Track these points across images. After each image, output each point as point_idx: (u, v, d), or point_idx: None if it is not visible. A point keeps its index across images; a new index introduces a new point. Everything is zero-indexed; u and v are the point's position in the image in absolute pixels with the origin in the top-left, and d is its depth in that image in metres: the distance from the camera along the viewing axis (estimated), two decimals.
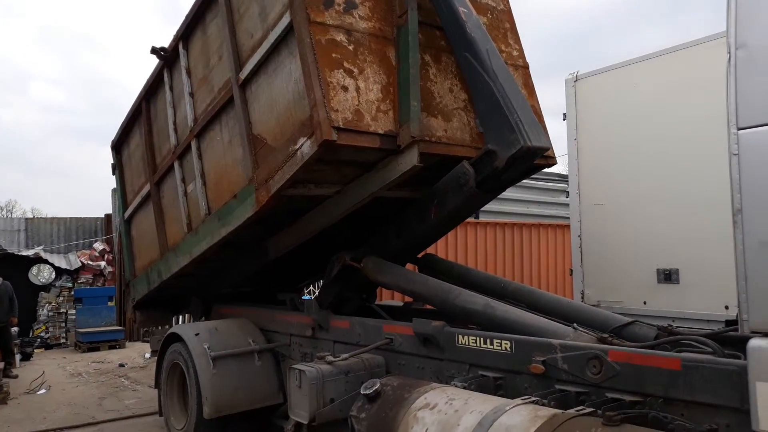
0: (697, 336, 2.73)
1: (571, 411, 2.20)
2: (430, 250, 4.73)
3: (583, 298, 5.41)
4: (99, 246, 12.79)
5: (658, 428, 2.15)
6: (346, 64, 3.36)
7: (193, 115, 4.57)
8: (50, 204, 59.90)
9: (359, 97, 3.36)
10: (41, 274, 11.67)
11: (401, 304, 5.36)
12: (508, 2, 4.45)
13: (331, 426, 3.23)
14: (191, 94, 4.59)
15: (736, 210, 1.94)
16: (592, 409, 2.25)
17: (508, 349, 2.84)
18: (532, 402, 2.37)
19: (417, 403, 2.61)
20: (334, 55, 3.33)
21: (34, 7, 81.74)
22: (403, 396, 2.71)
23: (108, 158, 6.45)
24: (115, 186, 6.56)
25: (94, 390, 7.38)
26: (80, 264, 12.20)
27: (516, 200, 9.97)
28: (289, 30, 3.43)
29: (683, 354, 2.38)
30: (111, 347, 10.71)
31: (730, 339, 2.77)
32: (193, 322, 5.88)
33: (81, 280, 12.08)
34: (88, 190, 59.75)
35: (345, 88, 3.31)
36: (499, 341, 2.89)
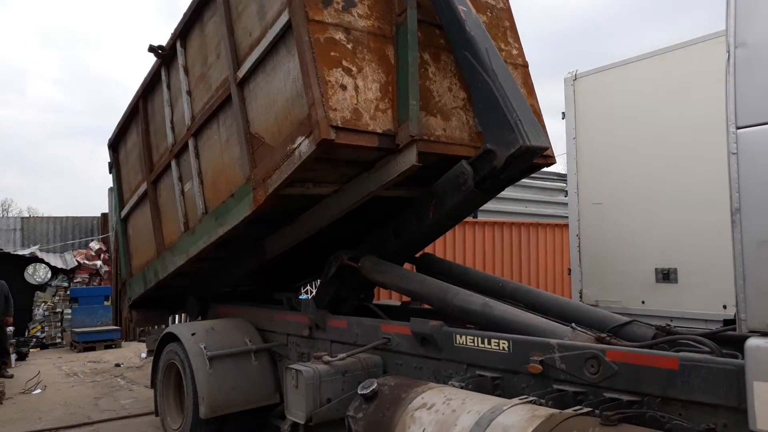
0: (695, 335, 2.73)
1: (569, 411, 2.20)
2: (428, 249, 4.72)
3: (581, 297, 5.42)
4: (95, 245, 12.76)
5: (656, 428, 2.15)
6: (344, 63, 3.35)
7: (190, 114, 4.55)
8: (46, 203, 59.80)
9: (358, 96, 3.35)
10: (37, 274, 11.63)
11: (399, 303, 5.35)
12: (507, 1, 4.44)
13: (328, 426, 3.22)
14: (189, 93, 4.57)
15: (735, 209, 1.94)
16: (590, 409, 2.25)
17: (506, 348, 2.84)
18: (530, 402, 2.37)
19: (414, 403, 2.60)
20: (332, 53, 3.32)
21: (32, 5, 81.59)
22: (400, 396, 2.71)
23: (105, 157, 6.41)
24: (111, 185, 6.54)
25: (90, 390, 7.35)
26: (76, 263, 12.16)
27: (514, 199, 9.98)
28: (287, 28, 3.42)
29: (681, 353, 2.38)
30: (107, 347, 10.68)
31: (728, 338, 2.77)
32: (190, 321, 5.86)
33: (77, 280, 12.05)
34: (84, 189, 59.64)
35: (343, 87, 3.30)
36: (497, 341, 2.88)
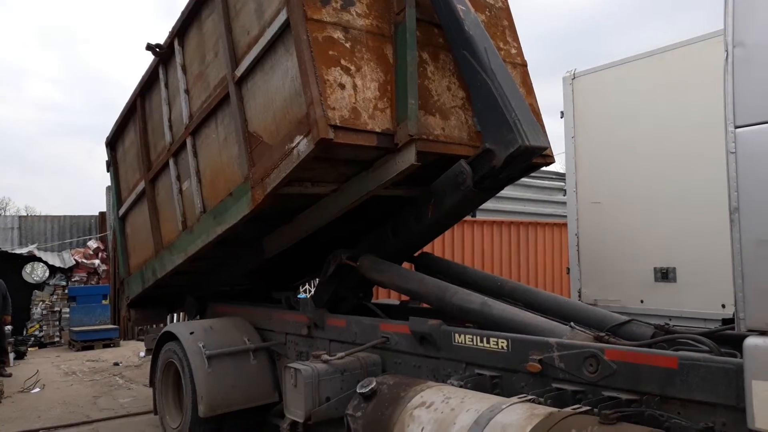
0: (694, 334, 2.73)
1: (568, 409, 2.20)
2: (427, 248, 4.72)
3: (580, 296, 5.43)
4: (93, 244, 12.74)
5: (655, 427, 2.15)
6: (343, 62, 3.34)
7: (188, 112, 4.54)
8: (44, 202, 59.61)
9: (356, 95, 3.34)
10: (35, 273, 11.61)
11: (398, 302, 5.35)
12: (506, 0, 4.44)
13: (327, 425, 3.22)
14: (187, 91, 4.56)
15: (734, 208, 1.95)
16: (589, 408, 2.25)
17: (505, 347, 2.84)
18: (529, 400, 2.37)
19: (413, 401, 2.60)
20: (331, 52, 3.31)
21: (32, 5, 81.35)
22: (399, 395, 2.71)
23: (103, 156, 6.39)
24: (109, 184, 6.53)
25: (89, 389, 7.34)
26: (74, 262, 12.14)
27: (513, 198, 9.99)
28: (285, 27, 3.41)
29: (680, 352, 2.38)
30: (105, 346, 10.66)
31: (727, 337, 2.77)
32: (188, 320, 5.85)
33: (75, 279, 12.02)
34: (82, 188, 59.53)
35: (342, 86, 3.29)
36: (496, 340, 2.88)
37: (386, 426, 2.60)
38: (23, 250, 11.90)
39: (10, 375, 8.03)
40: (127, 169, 5.91)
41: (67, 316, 11.34)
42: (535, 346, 2.71)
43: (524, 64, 4.38)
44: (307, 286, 8.68)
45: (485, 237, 8.94)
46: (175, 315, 8.78)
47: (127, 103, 5.62)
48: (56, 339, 11.38)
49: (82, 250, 12.61)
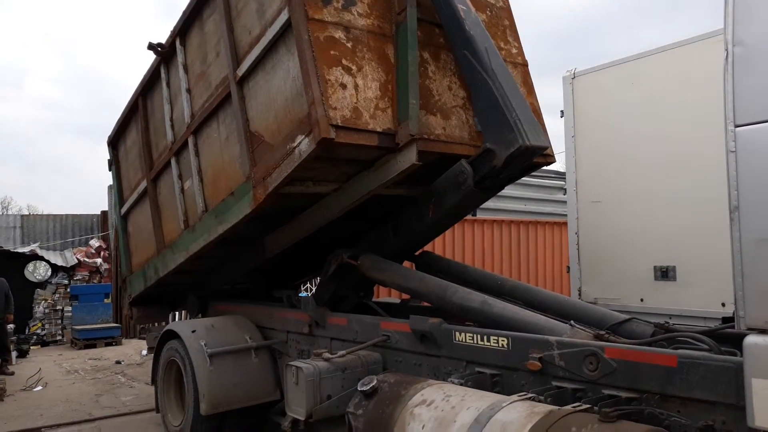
0: (694, 333, 2.74)
1: (568, 407, 2.20)
2: (428, 247, 4.73)
3: (580, 295, 5.43)
4: (95, 243, 12.76)
5: (655, 425, 2.16)
6: (344, 62, 3.35)
7: (190, 112, 4.55)
8: (46, 201, 59.71)
9: (357, 94, 3.35)
10: (37, 271, 11.64)
11: (398, 301, 5.36)
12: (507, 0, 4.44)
13: (328, 422, 3.23)
14: (188, 91, 4.57)
15: (733, 207, 1.95)
16: (589, 406, 2.25)
17: (505, 345, 2.85)
18: (529, 398, 2.37)
19: (414, 399, 2.61)
20: (332, 52, 3.32)
21: (32, 5, 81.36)
22: (399, 393, 2.72)
23: (105, 155, 6.41)
24: (111, 183, 6.54)
25: (91, 387, 7.36)
26: (76, 261, 12.17)
27: (513, 197, 9.98)
28: (287, 27, 3.42)
29: (680, 351, 2.39)
30: (107, 344, 10.68)
31: (727, 336, 2.78)
32: (190, 319, 5.87)
33: (77, 277, 12.05)
34: (84, 187, 59.56)
35: (343, 86, 3.30)
36: (496, 338, 2.89)
37: (387, 424, 2.61)
38: (25, 249, 11.93)
39: (12, 373, 8.05)
40: (129, 168, 5.93)
41: (69, 314, 11.37)
42: (536, 345, 2.72)
43: (525, 64, 4.38)
44: (308, 285, 8.69)
45: (485, 236, 8.94)
46: (177, 313, 8.80)
47: (129, 102, 5.63)
48: (58, 337, 11.40)
49: (84, 248, 12.64)
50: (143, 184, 5.46)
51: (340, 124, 3.21)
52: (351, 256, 3.98)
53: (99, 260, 12.41)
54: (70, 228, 13.32)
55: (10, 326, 8.86)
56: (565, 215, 5.98)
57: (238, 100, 3.89)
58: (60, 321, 11.51)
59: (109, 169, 6.39)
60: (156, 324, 9.25)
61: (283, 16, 3.42)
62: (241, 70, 3.85)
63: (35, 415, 6.03)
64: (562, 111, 5.72)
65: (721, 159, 2.04)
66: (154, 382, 5.17)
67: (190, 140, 4.54)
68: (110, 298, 11.69)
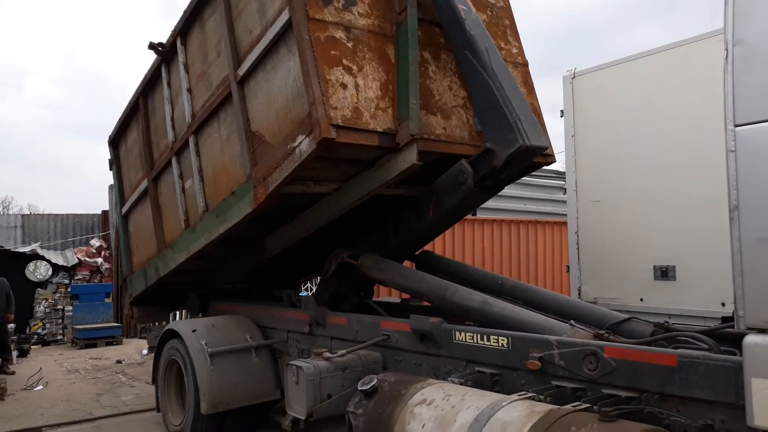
0: (694, 332, 2.75)
1: (568, 407, 2.21)
2: (428, 246, 4.74)
3: (580, 294, 5.43)
4: (96, 242, 12.76)
5: (654, 424, 2.16)
6: (345, 62, 3.36)
7: (190, 111, 4.56)
8: (47, 200, 59.76)
9: (358, 94, 3.36)
10: (38, 271, 11.64)
11: (398, 300, 5.37)
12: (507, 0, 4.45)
13: (328, 422, 3.24)
14: (189, 90, 4.58)
15: (733, 207, 1.96)
16: (589, 405, 2.26)
17: (505, 345, 2.85)
18: (529, 398, 2.38)
19: (414, 399, 2.62)
20: (333, 52, 3.33)
21: (32, 4, 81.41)
22: (399, 392, 2.72)
23: (103, 155, 6.43)
24: (112, 182, 6.55)
25: (92, 386, 7.37)
26: (77, 260, 12.17)
27: (513, 197, 9.98)
28: (287, 27, 3.42)
29: (679, 350, 2.39)
30: (108, 344, 10.68)
31: (727, 335, 2.79)
32: (191, 318, 5.88)
33: (78, 277, 12.05)
34: (84, 186, 59.62)
35: (344, 86, 3.30)
36: (496, 338, 2.90)
37: (387, 423, 2.62)
38: (26, 249, 11.93)
39: (13, 372, 8.06)
40: (130, 167, 5.93)
41: (70, 314, 11.37)
42: (535, 344, 2.72)
43: (525, 64, 4.39)
44: (308, 284, 8.70)
45: (485, 235, 8.95)
46: (178, 313, 8.81)
47: (130, 102, 5.64)
48: (59, 337, 11.41)
49: (84, 248, 12.64)
50: (144, 184, 5.47)
51: (340, 124, 3.22)
52: (351, 255, 3.99)
53: (100, 260, 12.41)
54: (70, 227, 13.33)
55: (11, 326, 8.86)
56: (565, 215, 5.98)
57: (239, 100, 3.90)
58: (61, 320, 11.51)
59: (110, 169, 6.40)
60: (157, 323, 9.24)
61: (284, 16, 3.43)
62: (242, 69, 3.85)
63: (36, 415, 6.04)
64: (562, 111, 5.72)
65: (720, 159, 2.04)
66: (154, 381, 5.18)
67: (191, 140, 4.55)
68: (111, 298, 11.69)
